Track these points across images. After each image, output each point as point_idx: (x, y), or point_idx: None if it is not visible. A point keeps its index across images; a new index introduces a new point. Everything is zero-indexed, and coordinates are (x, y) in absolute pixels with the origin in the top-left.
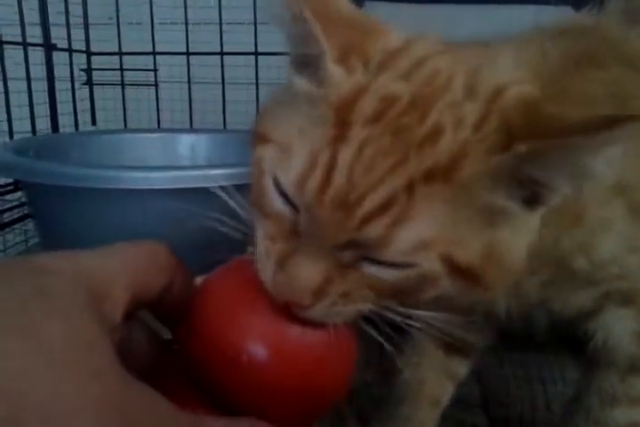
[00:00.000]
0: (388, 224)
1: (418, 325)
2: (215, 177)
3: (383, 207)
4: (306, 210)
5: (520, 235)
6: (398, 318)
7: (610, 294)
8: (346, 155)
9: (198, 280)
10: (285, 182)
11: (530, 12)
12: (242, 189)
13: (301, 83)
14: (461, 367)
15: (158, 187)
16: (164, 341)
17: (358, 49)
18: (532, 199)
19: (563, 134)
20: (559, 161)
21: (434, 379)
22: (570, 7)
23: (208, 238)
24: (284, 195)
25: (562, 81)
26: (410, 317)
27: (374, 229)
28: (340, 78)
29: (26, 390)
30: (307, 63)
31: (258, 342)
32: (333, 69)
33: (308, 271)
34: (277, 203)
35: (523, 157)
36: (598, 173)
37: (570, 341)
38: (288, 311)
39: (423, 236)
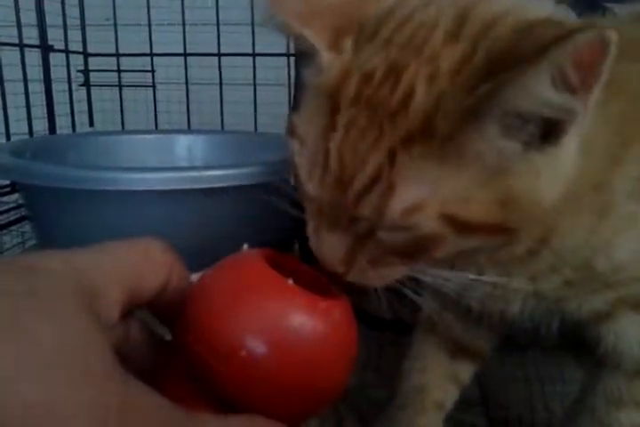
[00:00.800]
0: (378, 197)
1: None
2: (213, 178)
3: (372, 183)
4: (316, 195)
5: (548, 174)
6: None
7: (625, 298)
8: (335, 141)
9: (194, 277)
10: (301, 174)
11: None
12: (242, 189)
13: (307, 75)
14: (466, 372)
15: (155, 188)
16: (163, 339)
17: (353, 24)
18: (547, 133)
19: (515, 65)
20: (545, 80)
21: (438, 383)
22: (566, 7)
23: (206, 239)
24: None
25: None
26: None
27: (367, 206)
28: (329, 64)
29: (15, 395)
30: (310, 56)
31: (256, 337)
32: (324, 57)
33: (333, 243)
34: (307, 194)
35: (495, 94)
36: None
37: (574, 342)
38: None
39: (413, 199)
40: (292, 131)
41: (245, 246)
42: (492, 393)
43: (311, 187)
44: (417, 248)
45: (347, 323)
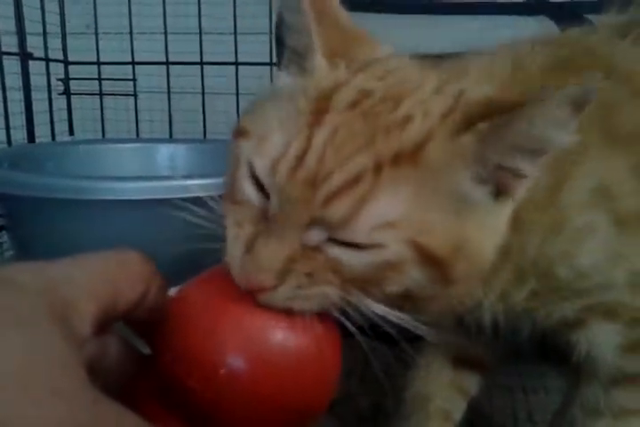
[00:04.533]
0: (353, 202)
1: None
2: (194, 187)
3: (349, 185)
4: (276, 190)
5: (487, 232)
6: (358, 311)
7: (594, 306)
8: (319, 137)
9: (173, 291)
10: (259, 166)
11: (502, 22)
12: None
13: (286, 78)
14: (471, 382)
15: (135, 198)
16: (140, 353)
17: (345, 53)
18: (499, 192)
19: (508, 110)
20: (511, 136)
21: (442, 391)
22: (546, 17)
23: (188, 250)
24: (256, 180)
25: (529, 82)
26: (368, 311)
27: (339, 206)
28: (323, 71)
29: None
30: (297, 56)
31: (237, 355)
32: (320, 62)
33: (273, 251)
34: (249, 189)
35: (481, 138)
36: (549, 140)
37: (553, 352)
38: (261, 311)
39: (388, 216)
40: (242, 131)
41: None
42: (475, 402)
43: (274, 181)
44: (370, 273)
45: (329, 338)
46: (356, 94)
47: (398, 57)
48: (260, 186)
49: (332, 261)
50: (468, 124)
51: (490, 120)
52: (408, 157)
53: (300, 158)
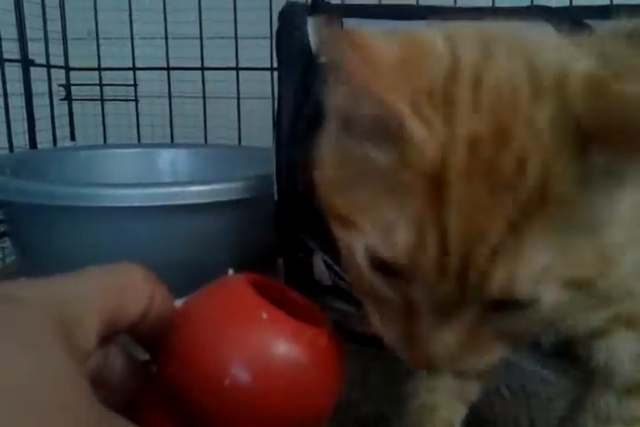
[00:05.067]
0: (507, 271)
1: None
2: (196, 194)
3: (496, 256)
4: (423, 283)
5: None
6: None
7: (620, 314)
8: (450, 218)
9: (178, 303)
10: (391, 258)
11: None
12: (226, 205)
13: (378, 155)
14: (474, 390)
15: (138, 204)
16: (143, 365)
17: (417, 85)
18: None
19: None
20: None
21: (447, 402)
22: (544, 22)
23: (189, 254)
24: (388, 270)
25: (625, 60)
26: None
27: (496, 281)
28: (421, 138)
29: None
30: (358, 125)
31: (241, 367)
32: (414, 129)
33: (446, 339)
34: (377, 283)
35: (608, 150)
36: None
37: (565, 358)
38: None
39: (542, 266)
40: (346, 221)
41: (231, 271)
42: (476, 408)
43: (418, 275)
44: (529, 326)
45: (333, 351)
46: (466, 153)
47: (459, 50)
48: (391, 275)
49: (498, 330)
50: (583, 142)
51: (606, 135)
52: (537, 205)
53: (439, 246)
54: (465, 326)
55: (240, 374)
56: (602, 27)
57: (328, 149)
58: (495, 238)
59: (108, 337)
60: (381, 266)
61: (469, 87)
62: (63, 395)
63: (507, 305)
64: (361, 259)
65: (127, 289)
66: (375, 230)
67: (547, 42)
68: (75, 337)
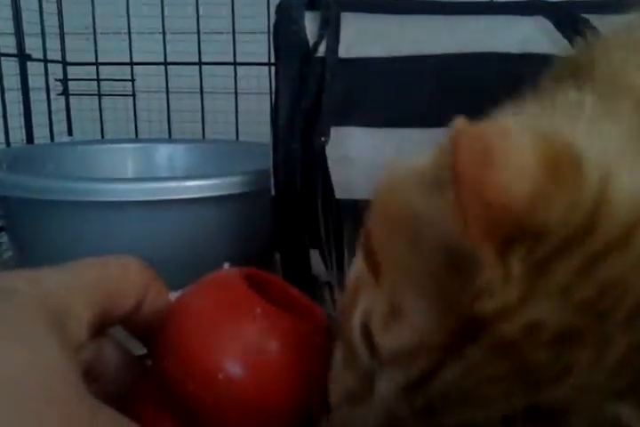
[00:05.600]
0: None
1: None
2: (193, 188)
3: None
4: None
5: None
6: None
7: None
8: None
9: (174, 295)
10: (388, 348)
11: (500, 22)
12: (223, 199)
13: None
14: None
15: (135, 199)
16: (138, 357)
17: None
18: None
19: None
20: None
21: None
22: (543, 17)
23: (186, 249)
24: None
25: None
26: None
27: None
28: (500, 290)
29: None
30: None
31: (235, 361)
32: (492, 277)
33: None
34: (361, 349)
35: None
36: None
37: None
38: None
39: None
40: (376, 267)
41: (226, 265)
42: None
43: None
44: None
45: (327, 345)
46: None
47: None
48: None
49: None
50: None
51: None
52: None
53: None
54: None
55: (234, 368)
56: (602, 22)
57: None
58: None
59: (101, 328)
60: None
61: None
62: (54, 388)
63: None
64: (356, 320)
65: (120, 280)
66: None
67: None
68: (66, 328)
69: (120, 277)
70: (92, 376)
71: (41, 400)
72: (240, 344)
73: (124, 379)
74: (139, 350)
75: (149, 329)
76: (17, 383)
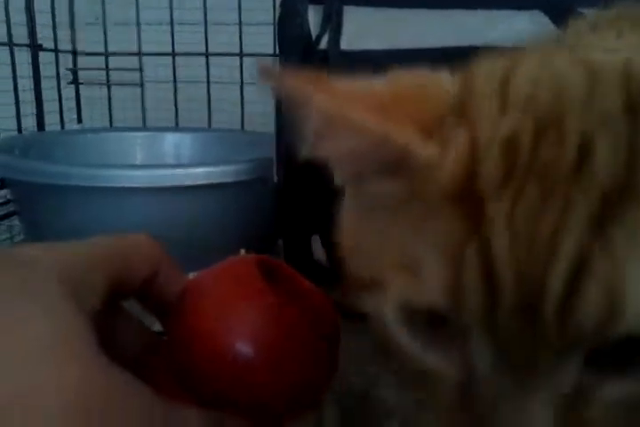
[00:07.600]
0: (602, 290)
1: None
2: (199, 175)
3: (584, 276)
4: (478, 336)
5: None
6: None
7: None
8: (498, 240)
9: (191, 276)
10: (426, 302)
11: (500, 16)
12: (228, 186)
13: (393, 189)
14: None
15: (142, 185)
16: (153, 332)
17: (429, 113)
18: None
19: None
20: None
21: None
22: (541, 12)
23: (192, 235)
24: (431, 335)
25: None
26: None
27: (589, 307)
28: (435, 157)
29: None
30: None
31: (245, 342)
32: (424, 152)
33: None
34: (425, 356)
35: None
36: None
37: None
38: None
39: None
40: (373, 283)
41: (242, 251)
42: None
43: (470, 319)
44: None
45: (335, 330)
46: (500, 158)
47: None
48: (435, 337)
49: (611, 407)
50: None
51: None
52: (620, 194)
53: (487, 277)
54: (561, 404)
55: (244, 349)
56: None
57: (345, 220)
58: (573, 249)
59: (115, 299)
60: (421, 328)
61: (494, 94)
62: (73, 345)
63: (617, 355)
64: (392, 323)
65: (132, 252)
66: (402, 276)
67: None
68: (81, 293)
69: (133, 250)
70: (107, 348)
71: (61, 358)
72: (250, 327)
73: (137, 349)
74: (153, 324)
75: (164, 304)
76: (39, 342)
